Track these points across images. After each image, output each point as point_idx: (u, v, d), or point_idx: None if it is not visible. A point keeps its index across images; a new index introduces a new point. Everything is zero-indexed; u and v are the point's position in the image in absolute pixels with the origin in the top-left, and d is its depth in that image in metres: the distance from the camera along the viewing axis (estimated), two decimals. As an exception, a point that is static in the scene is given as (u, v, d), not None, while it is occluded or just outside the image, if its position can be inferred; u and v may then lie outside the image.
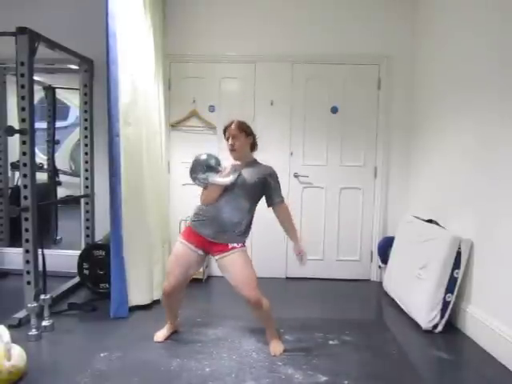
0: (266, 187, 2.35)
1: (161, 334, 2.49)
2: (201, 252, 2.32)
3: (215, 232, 2.28)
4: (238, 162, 2.35)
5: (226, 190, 2.28)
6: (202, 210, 2.33)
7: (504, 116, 2.37)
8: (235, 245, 2.28)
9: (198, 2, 3.70)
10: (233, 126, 2.36)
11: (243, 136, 2.36)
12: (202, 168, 2.27)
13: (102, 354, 2.28)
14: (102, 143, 3.37)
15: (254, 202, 2.37)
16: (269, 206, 2.39)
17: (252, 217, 2.38)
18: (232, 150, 2.36)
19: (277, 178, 2.39)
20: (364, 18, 3.66)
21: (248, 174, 2.32)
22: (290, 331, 2.62)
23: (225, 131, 2.41)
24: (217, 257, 2.30)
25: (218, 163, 2.31)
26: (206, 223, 2.29)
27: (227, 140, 2.38)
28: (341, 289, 3.62)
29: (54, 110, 4.10)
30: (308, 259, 3.73)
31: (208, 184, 2.28)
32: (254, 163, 2.42)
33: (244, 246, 2.33)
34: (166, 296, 2.38)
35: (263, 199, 2.41)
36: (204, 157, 2.31)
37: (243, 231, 2.32)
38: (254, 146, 2.46)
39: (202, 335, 2.56)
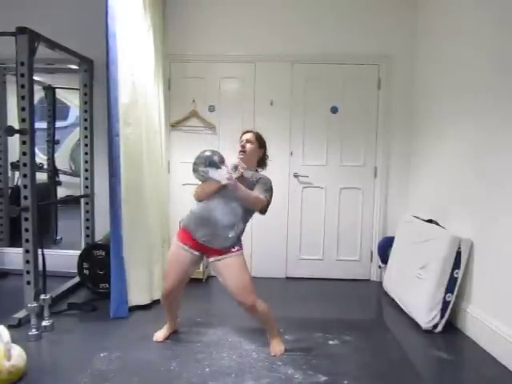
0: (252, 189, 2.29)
1: (160, 334, 2.49)
2: (196, 253, 2.29)
3: (207, 235, 2.24)
4: (242, 164, 2.29)
5: (220, 192, 2.24)
6: (195, 212, 2.31)
7: (504, 114, 2.37)
8: (231, 249, 2.25)
9: (198, 2, 3.70)
10: (250, 134, 2.45)
11: (256, 145, 2.42)
12: (204, 162, 2.22)
13: (101, 354, 2.28)
14: (101, 143, 3.37)
15: (248, 213, 2.32)
16: None
17: (245, 224, 2.33)
18: (242, 151, 2.39)
19: (265, 184, 2.31)
20: (364, 18, 3.66)
21: (243, 180, 2.27)
22: (290, 331, 2.62)
23: (241, 136, 2.46)
24: (211, 259, 2.29)
25: (221, 160, 2.24)
26: (198, 225, 2.26)
27: (240, 143, 2.42)
28: (341, 289, 3.62)
29: (54, 110, 4.11)
30: (308, 259, 3.81)
31: (207, 178, 2.23)
32: (253, 171, 2.41)
33: (241, 248, 2.31)
34: (164, 297, 2.40)
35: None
36: (208, 153, 2.25)
37: (236, 236, 2.27)
38: (261, 162, 2.49)
39: (201, 335, 2.56)
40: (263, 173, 2.45)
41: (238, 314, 2.83)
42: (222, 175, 2.16)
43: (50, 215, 4.18)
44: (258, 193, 2.25)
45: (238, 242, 2.29)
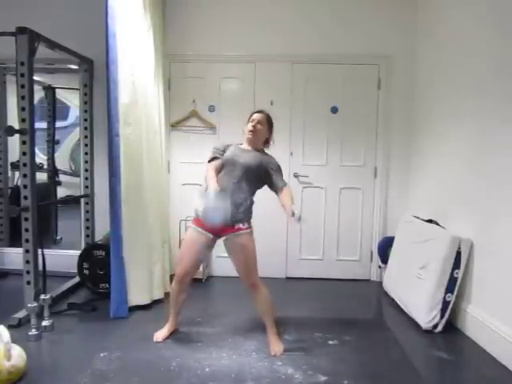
0: (267, 176, 2.41)
1: (160, 334, 2.49)
2: (210, 235, 2.37)
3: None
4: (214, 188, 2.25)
5: (230, 172, 2.35)
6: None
7: (504, 115, 2.37)
8: (241, 225, 2.34)
9: (197, 2, 3.69)
10: (261, 114, 2.47)
11: (266, 126, 2.48)
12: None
13: (101, 354, 2.28)
14: (101, 143, 3.37)
15: (255, 186, 2.44)
16: (274, 191, 2.44)
17: (253, 199, 2.44)
18: (251, 131, 2.42)
19: (277, 166, 2.46)
20: (364, 18, 3.66)
21: (250, 157, 2.39)
22: (290, 331, 2.62)
23: (251, 115, 2.48)
24: (224, 238, 2.38)
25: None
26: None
27: (250, 122, 2.45)
28: (341, 289, 3.62)
29: (54, 109, 4.11)
30: (308, 259, 3.81)
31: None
32: (260, 151, 2.49)
33: (250, 227, 2.40)
34: (178, 281, 2.42)
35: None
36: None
37: (246, 212, 2.37)
38: (267, 143, 2.56)
39: (202, 335, 2.56)
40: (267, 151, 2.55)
41: (238, 314, 2.84)
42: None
43: (50, 215, 4.18)
44: (279, 181, 2.41)
45: (247, 217, 2.39)
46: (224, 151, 2.45)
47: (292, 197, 2.36)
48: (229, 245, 2.37)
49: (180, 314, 2.58)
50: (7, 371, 1.93)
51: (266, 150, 2.56)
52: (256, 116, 2.46)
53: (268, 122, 2.49)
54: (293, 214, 2.21)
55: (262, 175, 2.41)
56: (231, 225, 2.32)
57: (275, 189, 2.42)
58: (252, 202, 2.43)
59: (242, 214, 2.35)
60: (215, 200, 2.18)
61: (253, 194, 2.44)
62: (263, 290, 2.38)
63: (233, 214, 2.29)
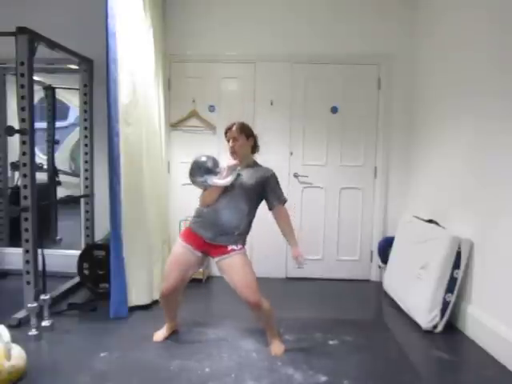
0: (264, 190, 2.34)
1: (160, 334, 2.49)
2: (199, 254, 2.32)
3: (214, 234, 2.28)
4: (235, 162, 2.34)
5: (225, 192, 2.29)
6: (202, 212, 2.34)
7: (504, 114, 2.37)
8: (234, 247, 2.27)
9: (198, 2, 3.70)
10: (233, 128, 2.36)
11: (243, 138, 2.36)
12: (200, 171, 2.27)
13: (101, 354, 2.28)
14: (101, 143, 3.37)
15: (253, 205, 2.35)
16: (269, 209, 2.39)
17: (251, 220, 2.37)
18: (232, 152, 2.36)
19: (276, 180, 2.38)
20: (364, 18, 3.66)
21: (247, 177, 2.31)
22: (290, 331, 2.62)
23: (226, 133, 2.41)
24: (216, 259, 2.30)
25: (216, 165, 2.31)
26: (206, 225, 2.30)
27: (228, 142, 2.39)
28: (341, 289, 3.62)
29: (54, 110, 4.10)
30: (308, 259, 3.78)
31: (207, 186, 2.29)
32: (253, 165, 2.41)
33: (244, 247, 2.33)
34: (163, 297, 2.39)
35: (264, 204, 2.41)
36: (202, 159, 2.31)
37: (242, 233, 2.32)
38: (254, 148, 2.46)
39: (201, 335, 2.56)
40: (259, 159, 2.49)
41: (238, 314, 2.83)
42: (220, 179, 2.25)
43: (49, 215, 4.18)
44: (277, 196, 2.36)
45: (242, 239, 2.33)
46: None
47: (290, 223, 2.37)
48: (223, 266, 2.28)
49: (176, 317, 2.56)
50: (7, 371, 1.93)
51: (259, 156, 2.50)
52: (229, 134, 2.36)
53: (243, 132, 2.35)
54: (299, 261, 2.26)
55: (259, 191, 2.32)
56: (224, 245, 2.27)
57: (269, 206, 2.37)
58: (249, 224, 2.36)
59: (237, 237, 2.29)
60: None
61: (250, 215, 2.34)
62: (266, 307, 2.27)
63: (227, 236, 2.27)
